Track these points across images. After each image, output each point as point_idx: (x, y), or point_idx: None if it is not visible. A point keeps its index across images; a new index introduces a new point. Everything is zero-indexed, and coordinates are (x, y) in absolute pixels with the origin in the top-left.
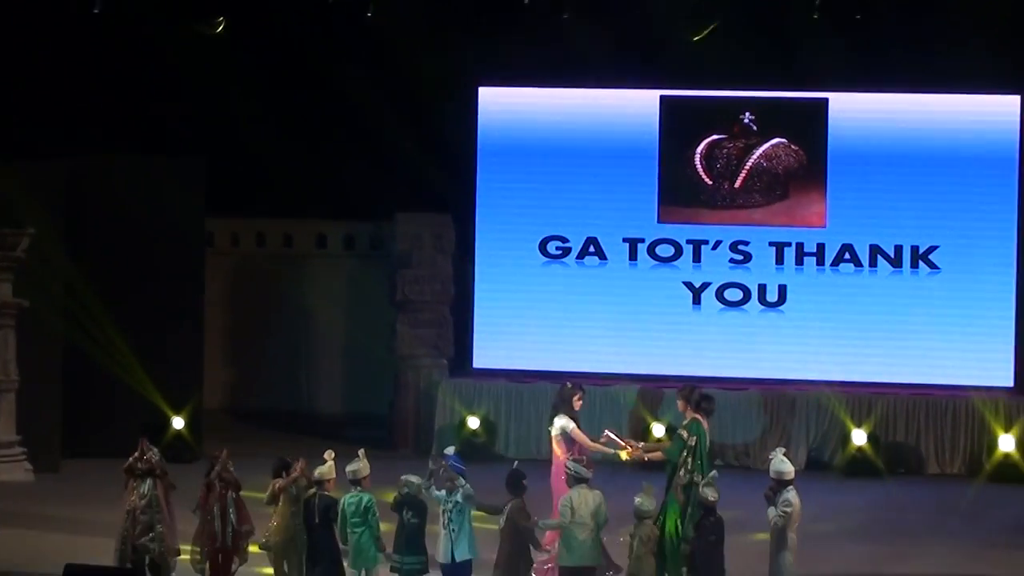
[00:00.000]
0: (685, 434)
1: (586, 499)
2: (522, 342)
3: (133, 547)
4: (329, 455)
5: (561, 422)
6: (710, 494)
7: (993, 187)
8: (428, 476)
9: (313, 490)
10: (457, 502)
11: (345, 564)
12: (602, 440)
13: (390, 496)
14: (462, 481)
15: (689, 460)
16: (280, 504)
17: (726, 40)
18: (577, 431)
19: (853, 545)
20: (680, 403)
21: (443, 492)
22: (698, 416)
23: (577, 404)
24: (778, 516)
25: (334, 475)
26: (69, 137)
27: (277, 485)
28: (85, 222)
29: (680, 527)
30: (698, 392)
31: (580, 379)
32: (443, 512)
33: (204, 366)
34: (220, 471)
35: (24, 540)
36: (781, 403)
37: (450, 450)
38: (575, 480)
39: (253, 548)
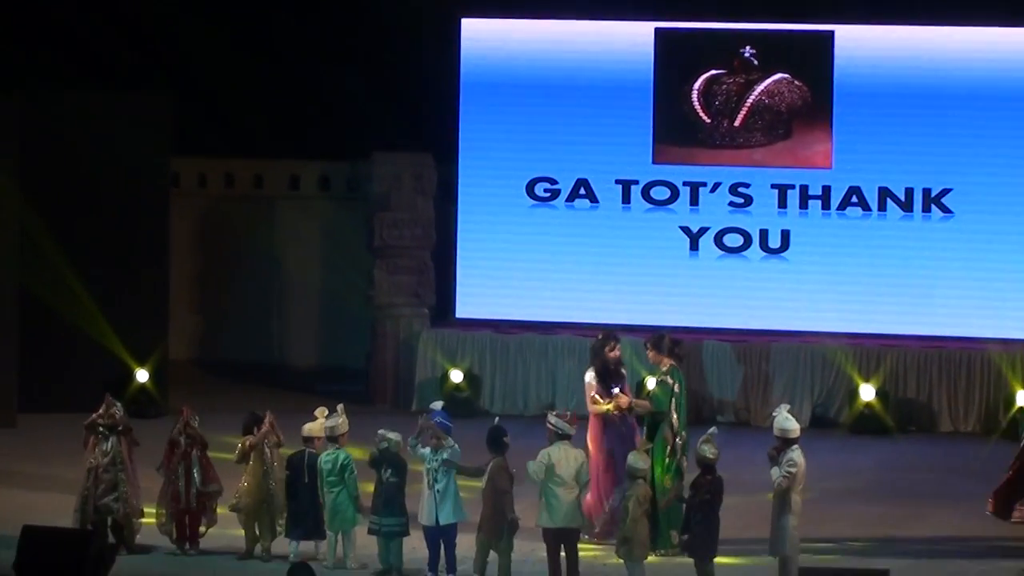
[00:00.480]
0: (669, 381)
1: (567, 457)
2: (508, 290)
3: (95, 507)
4: (321, 412)
5: (588, 376)
6: (709, 451)
7: (1010, 126)
8: (417, 433)
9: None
10: (443, 460)
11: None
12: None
13: (367, 454)
14: (450, 440)
15: (676, 408)
16: (251, 463)
17: None
18: (591, 386)
19: (860, 507)
20: (651, 353)
21: (428, 450)
22: (673, 362)
23: (611, 354)
24: (782, 477)
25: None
26: (21, 71)
27: (247, 443)
28: (40, 162)
29: (669, 479)
30: (668, 338)
31: (609, 329)
32: (428, 471)
33: (169, 315)
34: (184, 427)
35: None
36: (784, 356)
37: (437, 405)
38: (556, 436)
39: (223, 510)
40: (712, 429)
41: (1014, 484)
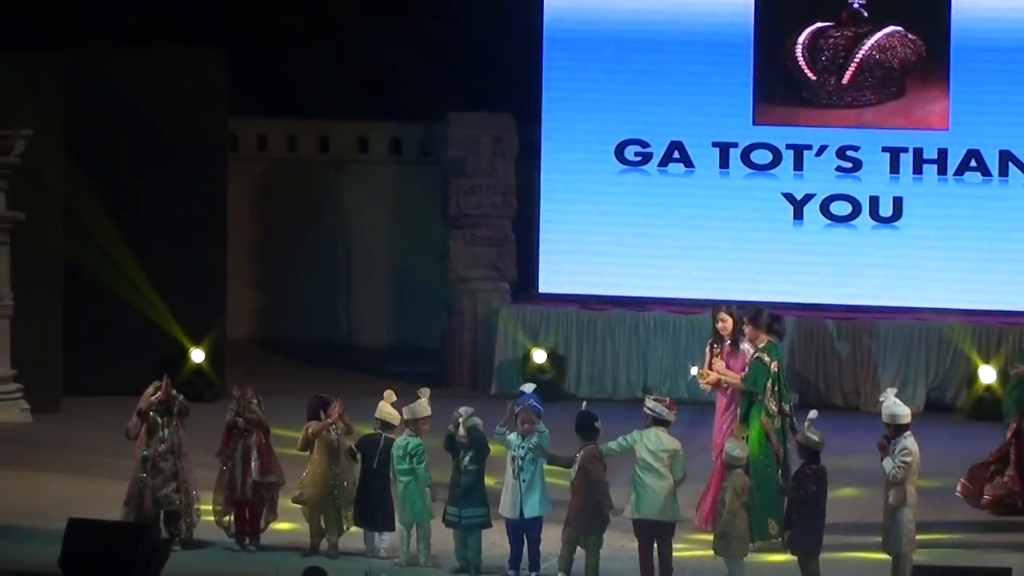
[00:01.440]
0: (766, 358)
1: (659, 443)
2: (595, 263)
3: (155, 499)
4: (389, 396)
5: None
6: (815, 437)
7: None
8: (505, 420)
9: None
10: (530, 449)
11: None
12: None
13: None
14: (541, 425)
15: (775, 389)
16: (315, 452)
17: None
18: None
19: None
20: (748, 328)
21: (514, 436)
22: (771, 339)
23: (721, 326)
24: (896, 468)
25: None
26: (68, 23)
27: (311, 429)
28: (88, 123)
29: (766, 464)
30: (767, 313)
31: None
32: (513, 459)
33: (227, 290)
34: (243, 411)
35: (22, 489)
36: (896, 335)
37: (528, 388)
38: (653, 421)
39: (286, 502)
40: (812, 413)
41: (988, 469)
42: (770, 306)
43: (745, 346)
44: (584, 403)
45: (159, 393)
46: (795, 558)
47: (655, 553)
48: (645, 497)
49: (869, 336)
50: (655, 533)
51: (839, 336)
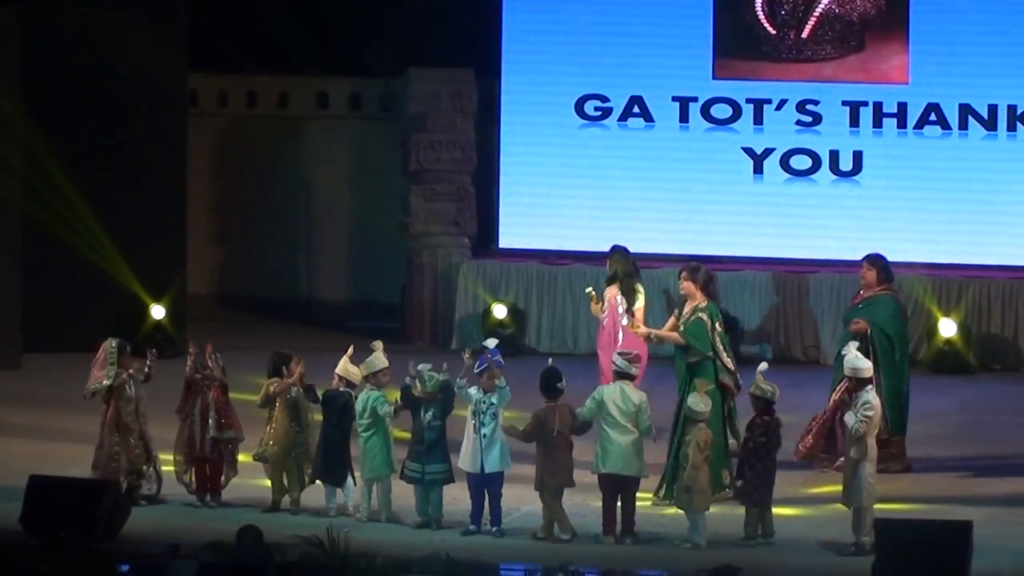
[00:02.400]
0: (707, 319)
1: (624, 397)
2: (555, 218)
3: (128, 460)
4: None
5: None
6: (769, 387)
7: None
8: (463, 372)
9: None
10: (492, 404)
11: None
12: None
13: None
14: (503, 381)
15: (725, 347)
16: (276, 410)
17: None
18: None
19: (941, 452)
20: (688, 284)
21: (474, 390)
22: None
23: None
24: (859, 422)
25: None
26: None
27: (272, 387)
28: (46, 79)
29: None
30: (704, 270)
31: None
32: (475, 414)
33: (187, 246)
34: (200, 367)
35: None
36: (856, 288)
37: (491, 343)
38: (618, 375)
39: (246, 458)
40: (762, 365)
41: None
42: (731, 260)
43: None
44: (550, 359)
45: (128, 371)
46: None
47: (618, 507)
48: (611, 451)
49: (829, 290)
50: (620, 487)
51: (800, 290)
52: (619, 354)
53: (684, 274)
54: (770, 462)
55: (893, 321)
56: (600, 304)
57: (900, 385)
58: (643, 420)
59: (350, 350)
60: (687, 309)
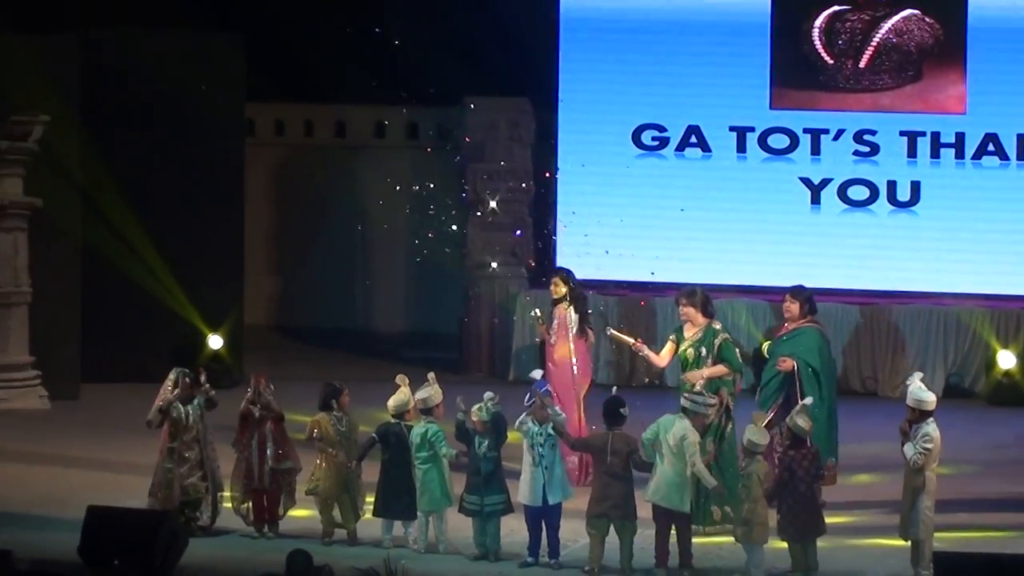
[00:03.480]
0: (728, 337)
1: (675, 429)
2: (612, 248)
3: (182, 488)
4: (402, 379)
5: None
6: (803, 424)
7: None
8: (527, 408)
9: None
10: (549, 435)
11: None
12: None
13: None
14: (556, 409)
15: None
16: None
17: None
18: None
19: (1000, 486)
20: (688, 308)
21: (532, 423)
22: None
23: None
24: (918, 453)
25: (412, 403)
26: (84, 6)
27: (318, 427)
28: (105, 108)
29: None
30: (701, 292)
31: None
32: (532, 447)
33: (245, 276)
34: (256, 399)
35: (41, 477)
36: (915, 320)
37: (536, 374)
38: (683, 410)
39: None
40: (808, 400)
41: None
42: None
43: None
44: (614, 388)
45: (178, 390)
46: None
47: (672, 539)
48: (658, 482)
49: (887, 321)
50: (670, 519)
51: (857, 321)
52: (695, 395)
53: (683, 300)
54: (804, 495)
55: (818, 354)
56: (546, 326)
57: (828, 418)
58: (685, 449)
59: (403, 379)
60: (691, 333)
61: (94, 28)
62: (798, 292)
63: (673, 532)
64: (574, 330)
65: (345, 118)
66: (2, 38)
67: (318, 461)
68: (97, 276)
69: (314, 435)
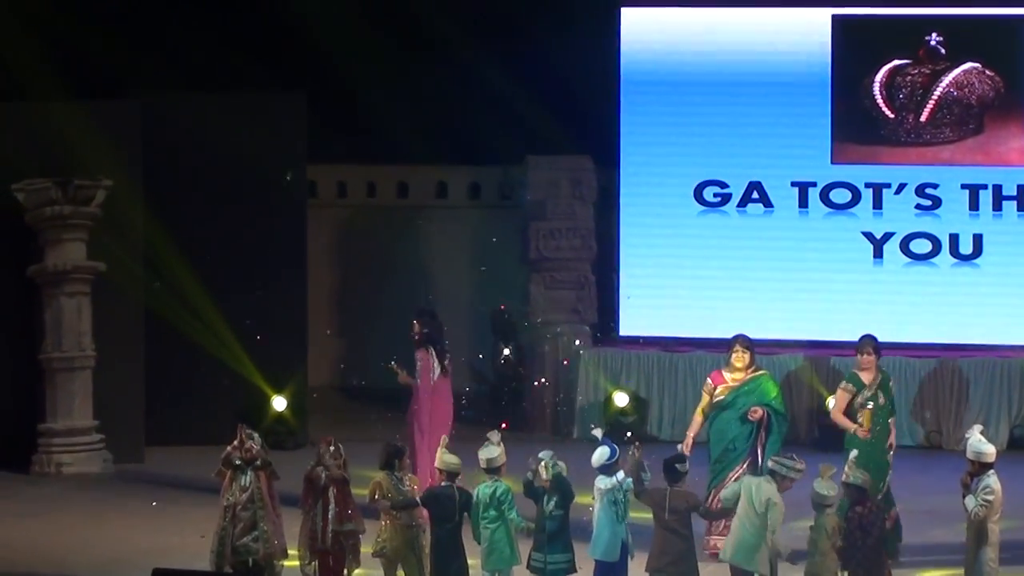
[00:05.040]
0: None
1: (757, 490)
2: (676, 305)
3: (233, 548)
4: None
5: None
6: (860, 475)
7: None
8: (638, 469)
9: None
10: (628, 489)
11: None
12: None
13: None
14: (646, 468)
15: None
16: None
17: None
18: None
19: None
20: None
21: (618, 478)
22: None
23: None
24: (979, 506)
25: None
26: (145, 70)
27: (379, 490)
28: (167, 171)
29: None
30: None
31: None
32: (615, 502)
33: (308, 337)
34: (323, 460)
35: (106, 541)
36: (979, 373)
37: (597, 432)
38: (770, 472)
39: (368, 550)
40: (853, 453)
41: None
42: (852, 346)
43: None
44: (679, 446)
45: (229, 448)
46: None
47: None
48: (740, 544)
49: (951, 374)
50: None
51: (920, 374)
52: (784, 459)
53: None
54: (872, 549)
55: (780, 399)
56: (404, 372)
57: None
58: (774, 513)
59: (443, 440)
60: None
61: (156, 92)
62: (747, 341)
63: None
64: (437, 372)
65: (407, 178)
66: (65, 104)
67: (383, 522)
68: (161, 339)
69: (375, 497)
